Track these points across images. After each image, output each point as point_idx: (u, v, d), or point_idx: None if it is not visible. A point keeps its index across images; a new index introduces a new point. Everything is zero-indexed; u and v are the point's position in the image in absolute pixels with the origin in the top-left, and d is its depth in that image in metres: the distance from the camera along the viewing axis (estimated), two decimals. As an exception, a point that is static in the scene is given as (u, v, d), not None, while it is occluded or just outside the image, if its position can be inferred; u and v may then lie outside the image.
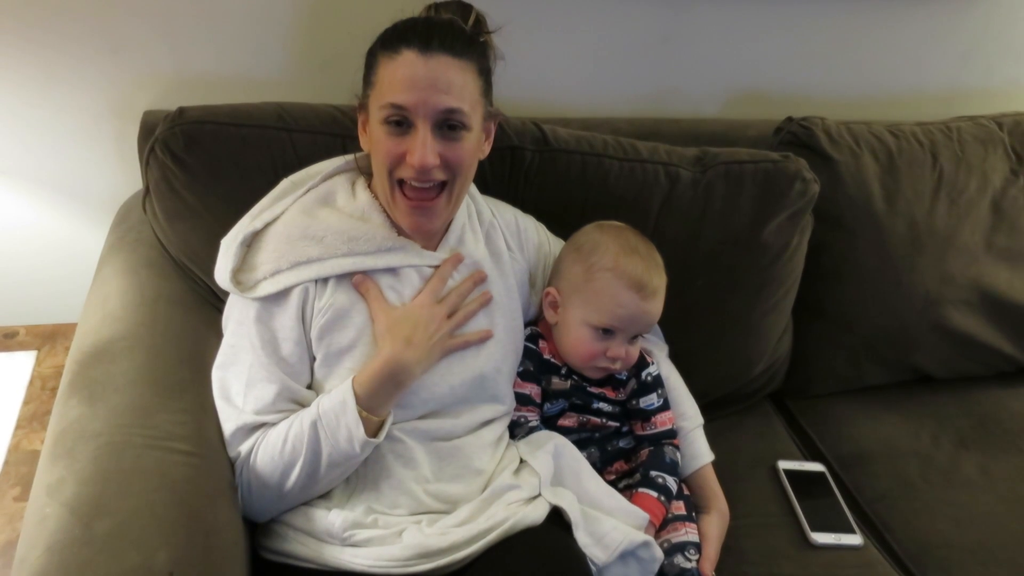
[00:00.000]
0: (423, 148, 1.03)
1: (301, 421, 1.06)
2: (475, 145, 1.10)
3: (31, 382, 1.45)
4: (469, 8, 1.12)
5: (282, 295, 1.09)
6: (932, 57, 1.85)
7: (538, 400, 1.25)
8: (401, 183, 1.08)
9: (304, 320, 1.10)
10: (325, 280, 1.10)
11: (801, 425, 1.64)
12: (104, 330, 1.17)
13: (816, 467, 1.48)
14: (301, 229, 1.11)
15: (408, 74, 1.02)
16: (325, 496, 1.10)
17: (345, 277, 1.11)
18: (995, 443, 1.59)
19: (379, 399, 1.06)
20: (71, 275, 1.54)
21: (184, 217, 1.27)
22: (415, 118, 1.03)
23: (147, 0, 1.39)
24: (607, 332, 1.20)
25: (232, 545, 1.00)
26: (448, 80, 1.03)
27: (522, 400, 1.23)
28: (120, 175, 1.51)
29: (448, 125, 1.05)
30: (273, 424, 1.08)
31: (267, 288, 1.08)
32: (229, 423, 1.08)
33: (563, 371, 1.25)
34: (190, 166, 1.25)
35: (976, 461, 1.54)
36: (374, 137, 1.08)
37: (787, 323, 1.60)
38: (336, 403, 1.05)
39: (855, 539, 1.34)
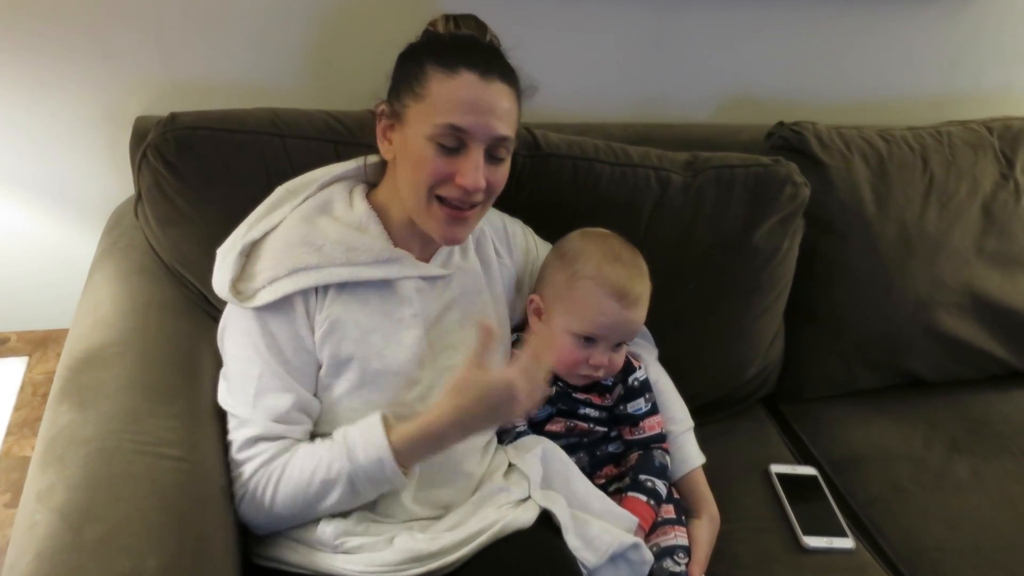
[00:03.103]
0: (476, 172, 1.03)
1: (329, 468, 1.03)
2: (508, 168, 1.12)
3: (22, 388, 1.44)
4: (485, 27, 1.13)
5: (285, 303, 1.08)
6: (922, 62, 1.86)
7: (526, 406, 1.25)
8: (439, 197, 1.07)
9: (310, 327, 1.09)
10: (325, 290, 1.10)
11: (793, 429, 1.64)
12: (95, 336, 1.17)
13: (808, 471, 1.48)
14: (300, 236, 1.10)
15: (470, 97, 1.02)
16: None
17: (344, 289, 1.10)
18: (987, 446, 1.60)
19: (417, 457, 1.06)
20: (63, 281, 1.53)
21: (177, 223, 1.27)
22: (470, 141, 1.03)
23: (138, 6, 1.39)
24: (589, 340, 1.19)
25: (223, 551, 1.00)
26: (504, 107, 1.05)
27: (509, 407, 1.23)
28: (112, 181, 1.51)
29: (496, 150, 1.06)
30: (283, 441, 1.06)
31: (265, 297, 1.07)
32: (240, 432, 1.07)
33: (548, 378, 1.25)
34: (183, 172, 1.24)
35: (968, 464, 1.54)
36: (416, 152, 1.05)
37: (779, 327, 1.61)
38: (373, 461, 1.02)
39: (847, 543, 1.34)
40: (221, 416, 1.14)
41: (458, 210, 1.07)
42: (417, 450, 1.05)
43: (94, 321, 1.20)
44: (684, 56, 1.70)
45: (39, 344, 1.55)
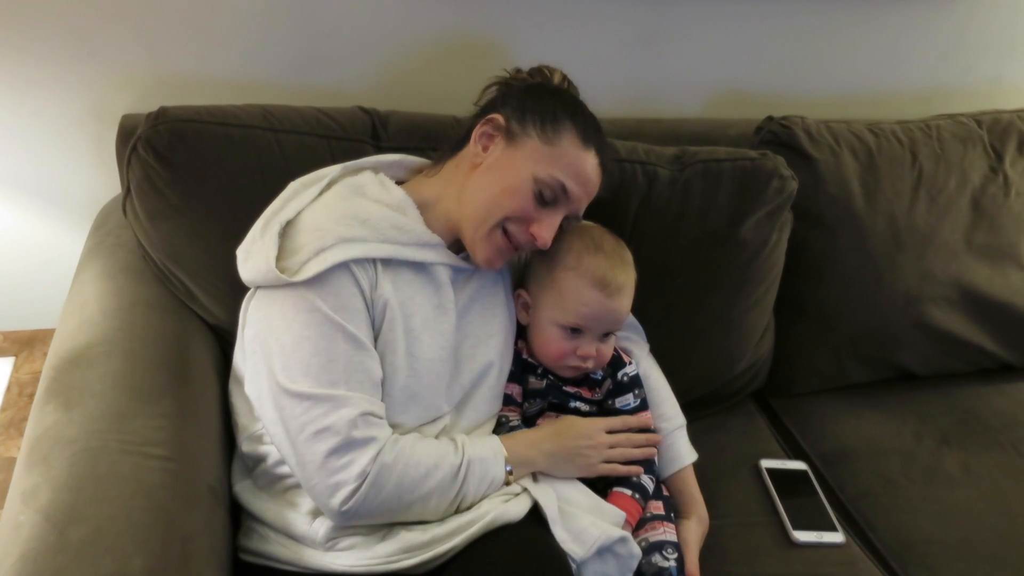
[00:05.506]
0: (550, 232, 1.11)
1: (445, 454, 1.07)
2: None
3: (8, 388, 1.44)
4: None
5: (337, 275, 1.03)
6: (911, 56, 1.86)
7: (520, 400, 1.25)
8: (505, 230, 1.11)
9: (364, 295, 1.06)
10: (374, 265, 1.07)
11: (784, 424, 1.64)
12: (81, 335, 1.16)
13: (799, 465, 1.48)
14: (343, 210, 1.08)
15: (587, 174, 1.12)
16: (309, 504, 1.08)
17: (388, 267, 1.09)
18: (977, 440, 1.60)
19: (516, 458, 1.12)
20: (49, 280, 1.53)
21: (168, 216, 1.25)
22: (562, 205, 1.11)
23: (123, 3, 1.38)
24: (575, 331, 1.19)
25: (210, 550, 1.00)
26: (592, 195, 1.16)
27: (504, 400, 1.23)
28: (98, 179, 1.50)
29: (567, 219, 1.14)
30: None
31: (314, 268, 1.01)
32: (341, 413, 0.99)
33: (539, 371, 1.25)
34: (174, 164, 1.23)
35: (958, 458, 1.54)
36: (516, 180, 1.09)
37: (769, 321, 1.61)
38: (485, 448, 1.11)
39: (837, 537, 1.35)
40: (208, 415, 1.14)
41: (511, 246, 1.12)
42: (517, 448, 1.12)
43: (80, 321, 1.19)
44: (673, 51, 1.69)
45: (25, 344, 1.54)
